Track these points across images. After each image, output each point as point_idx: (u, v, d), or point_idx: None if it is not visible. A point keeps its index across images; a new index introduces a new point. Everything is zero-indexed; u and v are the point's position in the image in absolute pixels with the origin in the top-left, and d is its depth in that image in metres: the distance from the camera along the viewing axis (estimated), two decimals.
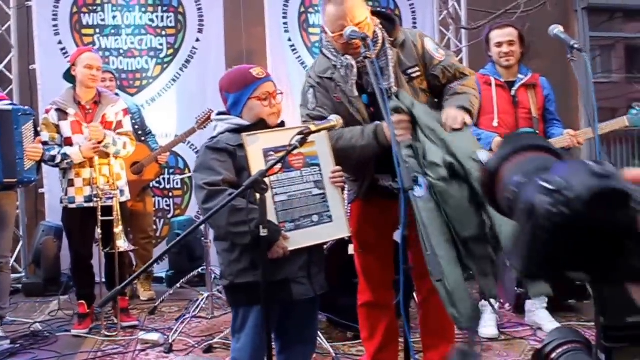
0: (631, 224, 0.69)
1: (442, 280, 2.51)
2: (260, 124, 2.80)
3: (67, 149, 4.45)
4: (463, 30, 6.98)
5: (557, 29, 3.32)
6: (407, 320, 2.47)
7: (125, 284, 2.27)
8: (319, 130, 2.65)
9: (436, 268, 2.51)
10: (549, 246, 0.71)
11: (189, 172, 6.30)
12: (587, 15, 10.36)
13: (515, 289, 4.68)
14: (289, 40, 6.60)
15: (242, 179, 2.67)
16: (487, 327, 4.33)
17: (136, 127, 5.36)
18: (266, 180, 2.48)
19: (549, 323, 4.36)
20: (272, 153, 2.70)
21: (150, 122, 5.76)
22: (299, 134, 2.55)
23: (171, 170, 6.37)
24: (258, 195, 2.44)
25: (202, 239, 5.08)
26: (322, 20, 3.04)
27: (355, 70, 2.94)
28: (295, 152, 2.74)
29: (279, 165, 2.56)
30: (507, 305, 4.93)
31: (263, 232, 2.43)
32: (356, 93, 2.96)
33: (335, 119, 2.71)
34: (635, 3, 10.34)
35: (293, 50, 6.61)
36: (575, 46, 3.18)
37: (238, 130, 2.77)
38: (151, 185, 5.78)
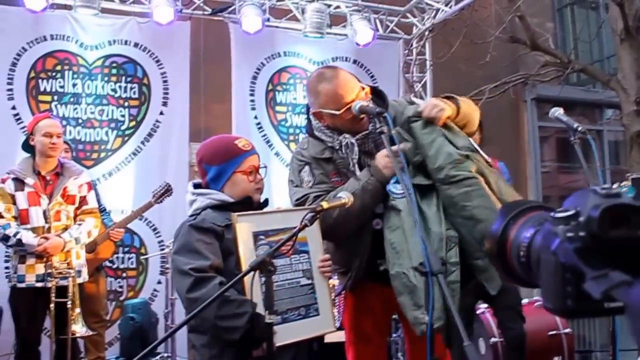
0: None
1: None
2: (246, 201, 2.57)
3: (23, 236, 4.03)
4: None
5: (557, 112, 3.25)
6: None
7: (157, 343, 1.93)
8: (331, 208, 2.43)
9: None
10: (578, 274, 0.68)
11: (145, 250, 5.95)
12: (535, 105, 10.69)
13: None
14: (255, 117, 6.45)
15: (228, 264, 2.41)
16: None
17: None
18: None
19: None
20: (262, 237, 2.45)
21: (105, 197, 5.40)
22: (311, 211, 2.32)
23: (126, 249, 5.95)
24: (248, 282, 2.19)
25: (168, 323, 4.68)
26: (315, 104, 2.77)
27: (356, 148, 2.73)
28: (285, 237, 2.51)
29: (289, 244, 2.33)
30: None
31: (269, 319, 2.17)
32: (358, 172, 2.75)
33: (346, 197, 2.49)
34: (580, 96, 10.75)
35: (259, 128, 6.45)
36: (579, 129, 3.11)
37: (221, 207, 2.53)
38: (104, 264, 5.37)
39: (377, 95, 2.88)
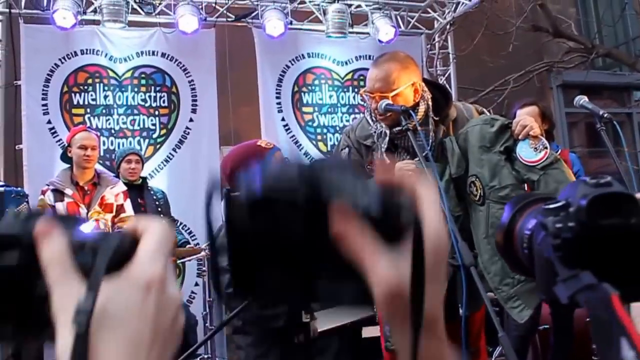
0: None
1: None
2: None
3: None
4: None
5: (582, 100, 3.26)
6: None
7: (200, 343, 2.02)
8: None
9: None
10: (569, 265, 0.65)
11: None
12: (562, 92, 10.61)
13: None
14: (283, 120, 6.54)
15: None
16: None
17: (159, 209, 5.13)
18: None
19: None
20: None
21: None
22: None
23: None
24: None
25: (207, 325, 4.78)
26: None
27: (387, 139, 2.80)
28: None
29: None
30: None
31: (306, 318, 2.25)
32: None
33: None
34: (607, 80, 10.63)
35: (287, 129, 6.54)
36: (605, 115, 3.11)
37: None
38: None
39: (442, 93, 2.94)
